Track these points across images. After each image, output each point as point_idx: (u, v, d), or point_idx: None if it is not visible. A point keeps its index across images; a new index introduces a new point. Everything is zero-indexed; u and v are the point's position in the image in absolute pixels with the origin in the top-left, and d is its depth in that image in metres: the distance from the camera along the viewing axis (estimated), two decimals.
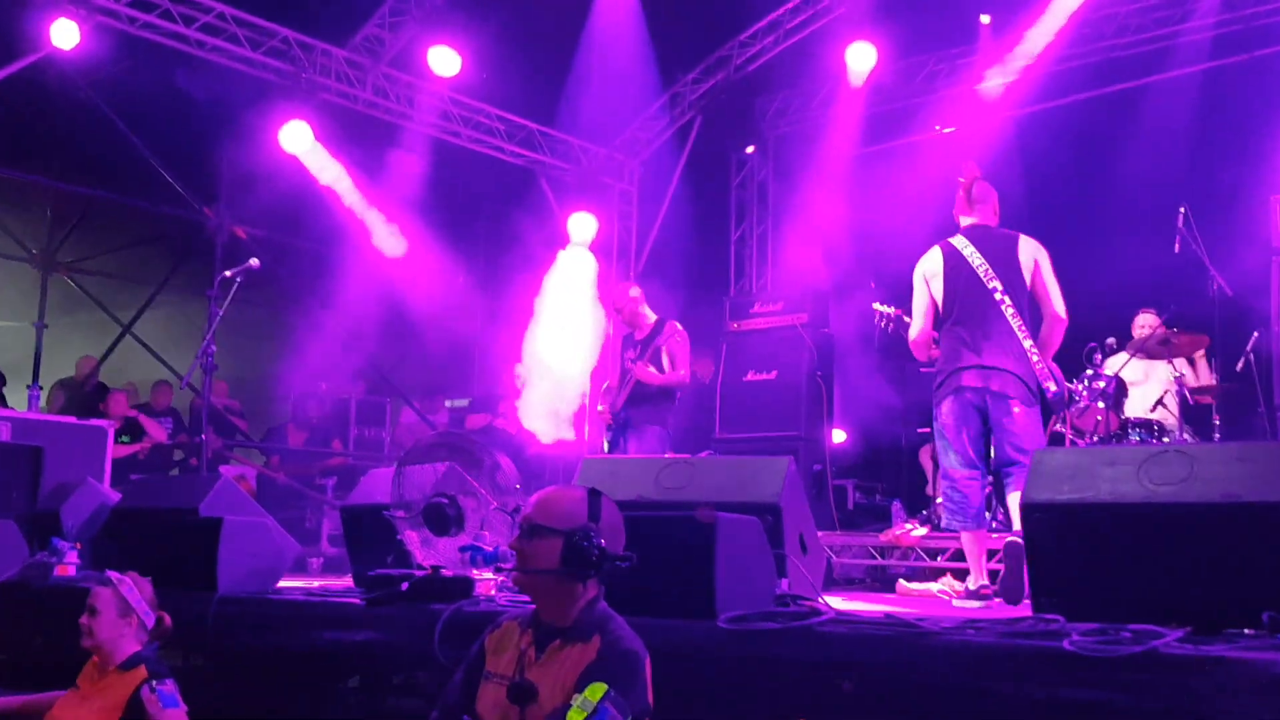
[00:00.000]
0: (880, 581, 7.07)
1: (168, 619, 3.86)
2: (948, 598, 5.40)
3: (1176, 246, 6.59)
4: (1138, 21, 9.03)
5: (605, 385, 7.72)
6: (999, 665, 2.92)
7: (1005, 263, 5.27)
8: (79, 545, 5.43)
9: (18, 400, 9.24)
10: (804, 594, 3.95)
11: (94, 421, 8.02)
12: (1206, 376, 7.17)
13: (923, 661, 3.02)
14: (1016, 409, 5.11)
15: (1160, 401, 7.11)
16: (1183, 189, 7.14)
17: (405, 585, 4.09)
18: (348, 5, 9.76)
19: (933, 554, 6.85)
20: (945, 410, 5.25)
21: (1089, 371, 6.55)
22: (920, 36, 9.66)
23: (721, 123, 11.03)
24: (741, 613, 3.37)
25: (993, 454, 5.23)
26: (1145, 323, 7.22)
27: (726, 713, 3.25)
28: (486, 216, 12.38)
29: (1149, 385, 7.26)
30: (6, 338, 10.73)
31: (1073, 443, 6.69)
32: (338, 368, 10.86)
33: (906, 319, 5.74)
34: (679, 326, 7.25)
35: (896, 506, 7.64)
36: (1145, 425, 6.74)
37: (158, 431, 9.41)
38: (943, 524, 6.44)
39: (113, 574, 3.85)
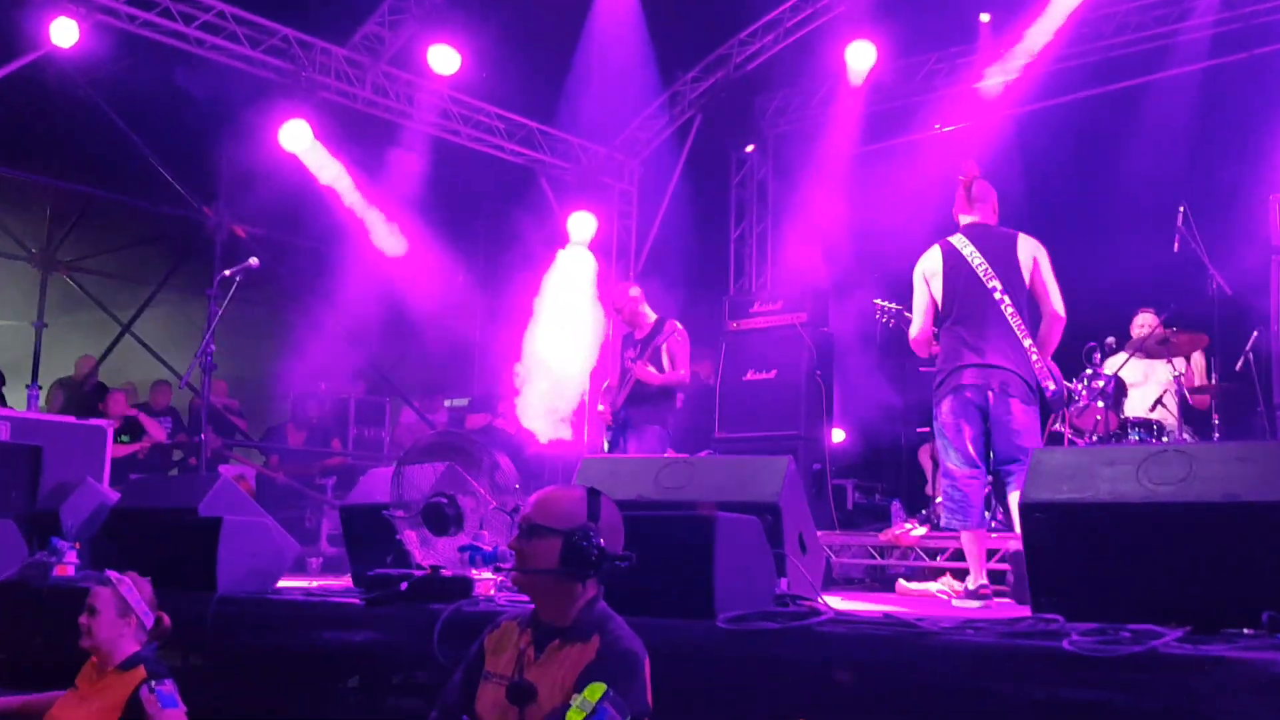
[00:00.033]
0: (880, 581, 7.07)
1: (167, 619, 3.86)
2: (947, 598, 5.40)
3: (1176, 245, 6.58)
4: (1137, 20, 9.03)
5: (605, 385, 7.72)
6: (998, 665, 2.91)
7: (1004, 261, 5.27)
8: (78, 545, 5.42)
9: (17, 400, 9.24)
10: (803, 594, 3.95)
11: (93, 421, 8.02)
12: (1201, 377, 7.17)
13: (922, 661, 3.02)
14: (1018, 407, 5.11)
15: (1159, 401, 7.11)
16: (1182, 188, 7.13)
17: (404, 585, 4.09)
18: (347, 3, 9.76)
19: (932, 554, 6.85)
20: (946, 409, 5.24)
21: (1088, 371, 6.55)
22: (920, 35, 9.65)
23: (721, 121, 11.03)
24: (741, 612, 3.36)
25: (992, 453, 5.23)
26: (1144, 322, 7.21)
27: (726, 713, 3.24)
28: (486, 215, 12.38)
29: (1148, 387, 7.26)
30: (6, 337, 10.73)
31: (1072, 442, 6.68)
32: (337, 367, 10.85)
33: (908, 314, 5.74)
34: (679, 325, 7.24)
35: (896, 506, 7.63)
36: (1145, 425, 6.74)
37: (157, 431, 9.41)
38: (942, 523, 6.43)
39: (112, 574, 3.85)
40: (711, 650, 3.30)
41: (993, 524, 6.10)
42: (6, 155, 10.05)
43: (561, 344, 10.26)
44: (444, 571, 4.17)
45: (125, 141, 9.38)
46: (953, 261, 5.33)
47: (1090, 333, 6.55)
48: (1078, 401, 6.48)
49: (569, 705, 2.52)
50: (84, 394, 9.65)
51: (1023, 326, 5.19)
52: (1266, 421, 6.84)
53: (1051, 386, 5.22)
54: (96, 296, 11.09)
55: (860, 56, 9.58)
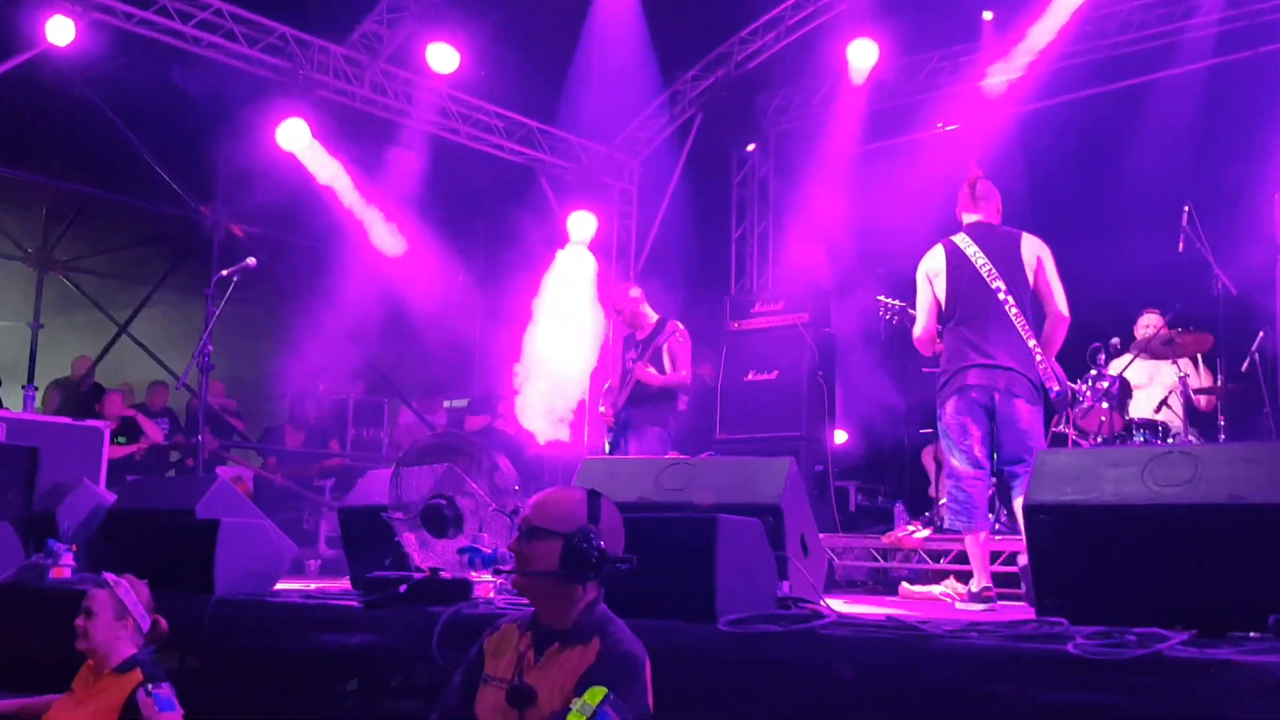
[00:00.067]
0: (882, 584, 7.05)
1: (164, 622, 3.84)
2: (951, 600, 5.37)
3: (1180, 245, 6.56)
4: (1141, 18, 9.01)
5: (606, 385, 7.68)
6: (1002, 668, 2.89)
7: (1008, 261, 5.24)
8: (75, 547, 5.40)
9: (13, 400, 9.21)
10: (805, 596, 3.93)
11: (90, 422, 7.99)
12: (1206, 378, 7.14)
13: (925, 665, 2.99)
14: (1024, 407, 5.08)
15: (1164, 402, 7.07)
16: (1187, 187, 7.11)
17: (403, 587, 4.07)
18: (345, 2, 9.75)
19: (935, 556, 6.82)
20: (950, 410, 5.21)
21: (1092, 372, 6.51)
22: (922, 33, 9.63)
23: (722, 120, 11.01)
24: (742, 615, 3.34)
25: (997, 454, 5.20)
26: (1149, 323, 7.18)
27: (727, 716, 3.22)
28: (486, 215, 12.36)
29: (1153, 388, 7.23)
30: (2, 337, 10.72)
31: (1076, 443, 6.65)
32: (336, 367, 10.84)
33: (911, 311, 5.71)
34: (680, 326, 7.20)
35: (899, 508, 7.60)
36: (1149, 426, 6.71)
37: (154, 432, 9.38)
38: (945, 525, 6.41)
39: (109, 576, 3.83)
40: (713, 653, 3.27)
41: (996, 526, 6.06)
42: (2, 154, 10.02)
43: (561, 344, 10.24)
44: (443, 574, 4.15)
45: (122, 140, 9.36)
46: (956, 261, 5.30)
47: (1094, 333, 6.52)
48: (1081, 402, 6.45)
49: (569, 709, 2.50)
50: (80, 395, 9.62)
51: (1027, 327, 5.16)
52: (1272, 422, 6.81)
53: (1055, 387, 5.19)
54: (93, 296, 11.08)
55: (862, 54, 9.56)
